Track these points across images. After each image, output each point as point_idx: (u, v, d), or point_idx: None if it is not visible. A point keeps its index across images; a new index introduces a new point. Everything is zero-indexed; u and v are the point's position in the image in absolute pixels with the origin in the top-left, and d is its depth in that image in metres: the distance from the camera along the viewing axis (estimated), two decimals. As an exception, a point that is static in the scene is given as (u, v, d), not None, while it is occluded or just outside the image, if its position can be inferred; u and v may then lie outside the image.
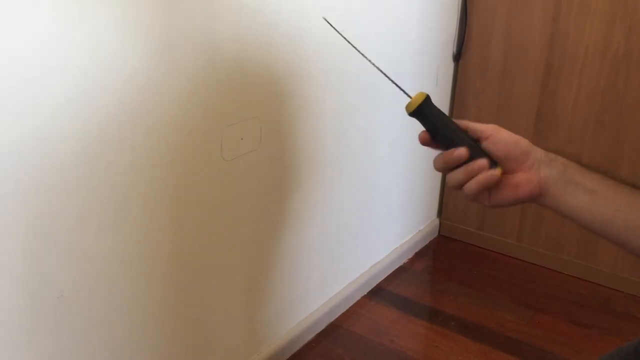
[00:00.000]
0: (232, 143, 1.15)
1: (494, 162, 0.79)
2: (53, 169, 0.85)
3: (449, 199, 2.14)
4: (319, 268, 1.59)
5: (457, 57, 1.97)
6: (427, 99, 0.83)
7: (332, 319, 1.68)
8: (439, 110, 0.84)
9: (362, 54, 0.93)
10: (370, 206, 1.74)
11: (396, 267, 1.96)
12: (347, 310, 1.73)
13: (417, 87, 1.85)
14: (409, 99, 0.85)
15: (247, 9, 1.11)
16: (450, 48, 1.94)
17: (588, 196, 0.79)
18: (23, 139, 0.81)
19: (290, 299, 1.51)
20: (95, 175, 0.91)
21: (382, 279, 1.89)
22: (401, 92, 0.90)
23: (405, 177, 1.89)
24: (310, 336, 1.60)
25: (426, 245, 2.11)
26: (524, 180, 0.80)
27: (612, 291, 1.86)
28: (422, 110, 0.83)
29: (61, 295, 0.92)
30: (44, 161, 0.84)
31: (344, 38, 0.95)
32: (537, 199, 0.81)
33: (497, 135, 0.81)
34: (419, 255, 2.06)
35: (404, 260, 2.00)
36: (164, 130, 1.00)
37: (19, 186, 0.82)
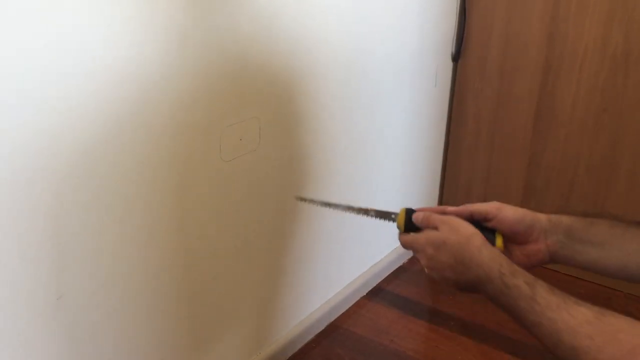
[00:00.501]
0: (231, 144, 1.15)
1: (491, 234, 0.85)
2: (53, 170, 0.85)
3: (448, 200, 2.14)
4: (319, 269, 1.59)
5: (456, 56, 1.97)
6: (408, 215, 0.90)
7: (332, 319, 1.68)
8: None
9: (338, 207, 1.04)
10: (370, 206, 1.73)
11: (396, 267, 1.96)
12: (347, 311, 1.73)
13: (416, 88, 1.85)
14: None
15: (246, 9, 1.10)
16: (449, 48, 1.94)
17: (598, 250, 0.83)
18: (23, 139, 0.80)
19: (291, 300, 1.51)
20: (95, 176, 0.91)
21: (382, 279, 1.89)
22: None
23: (405, 177, 1.89)
24: (310, 336, 1.60)
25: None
26: (533, 251, 0.86)
27: (612, 291, 1.86)
28: (410, 227, 0.90)
29: (60, 297, 0.92)
30: (45, 162, 0.84)
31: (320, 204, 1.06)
32: (551, 261, 0.86)
33: (500, 216, 0.86)
34: (419, 255, 2.05)
35: (404, 260, 2.00)
36: (163, 131, 1.00)
37: (18, 187, 0.82)
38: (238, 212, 1.23)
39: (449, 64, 1.97)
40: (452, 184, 2.13)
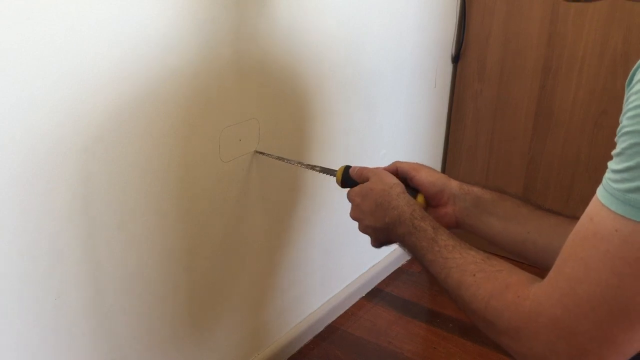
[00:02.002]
0: (230, 145, 1.15)
1: (414, 192, 0.94)
2: (52, 169, 0.85)
3: (447, 201, 2.14)
4: (317, 270, 1.59)
5: (456, 58, 1.97)
6: (346, 171, 1.01)
7: (331, 320, 1.68)
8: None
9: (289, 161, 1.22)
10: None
11: (395, 268, 1.96)
12: (346, 312, 1.73)
13: (416, 89, 1.85)
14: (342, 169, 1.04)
15: (245, 10, 1.10)
16: (448, 49, 1.94)
17: (501, 223, 0.90)
18: (22, 137, 0.80)
19: (289, 301, 1.51)
20: (93, 177, 0.91)
21: (380, 280, 1.89)
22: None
23: (404, 178, 1.89)
24: (308, 337, 1.60)
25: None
26: (442, 213, 0.94)
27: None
28: (348, 181, 1.01)
29: (58, 297, 0.92)
30: (43, 161, 0.84)
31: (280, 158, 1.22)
32: (457, 227, 0.94)
33: (417, 177, 0.95)
34: (418, 256, 2.05)
35: (403, 261, 2.00)
36: (161, 131, 1.00)
37: (16, 185, 0.81)
38: (237, 213, 1.23)
39: (448, 65, 1.97)
40: (451, 185, 2.12)
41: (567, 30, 1.74)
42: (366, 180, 0.95)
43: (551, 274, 0.58)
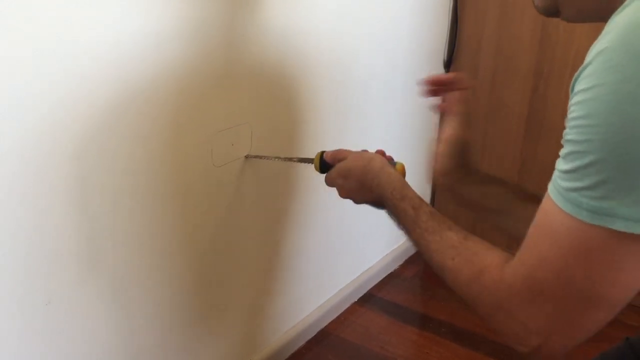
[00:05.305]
0: (222, 149, 1.15)
1: (392, 162, 0.99)
2: (41, 173, 0.84)
3: (439, 205, 2.14)
4: (309, 275, 1.58)
5: (448, 63, 1.97)
6: (322, 156, 1.01)
7: (323, 325, 1.67)
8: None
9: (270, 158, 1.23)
10: (362, 212, 1.73)
11: (387, 273, 1.96)
12: (338, 317, 1.73)
13: (407, 92, 1.85)
14: (318, 160, 1.03)
15: (237, 13, 1.10)
16: (440, 55, 1.95)
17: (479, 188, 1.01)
18: (18, 138, 0.80)
19: (282, 306, 1.50)
20: (84, 182, 0.90)
21: (372, 285, 1.88)
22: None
23: (396, 182, 1.89)
24: (301, 343, 1.59)
25: (417, 252, 2.10)
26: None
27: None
28: (325, 166, 1.01)
29: (49, 303, 0.91)
30: (40, 164, 0.83)
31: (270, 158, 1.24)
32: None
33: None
34: (410, 261, 2.05)
35: (395, 266, 2.00)
36: (153, 136, 1.00)
37: (5, 191, 0.81)
38: (229, 217, 1.23)
39: (440, 70, 1.97)
40: (443, 189, 2.13)
41: (558, 34, 1.75)
42: (343, 159, 0.96)
43: (516, 259, 0.62)
